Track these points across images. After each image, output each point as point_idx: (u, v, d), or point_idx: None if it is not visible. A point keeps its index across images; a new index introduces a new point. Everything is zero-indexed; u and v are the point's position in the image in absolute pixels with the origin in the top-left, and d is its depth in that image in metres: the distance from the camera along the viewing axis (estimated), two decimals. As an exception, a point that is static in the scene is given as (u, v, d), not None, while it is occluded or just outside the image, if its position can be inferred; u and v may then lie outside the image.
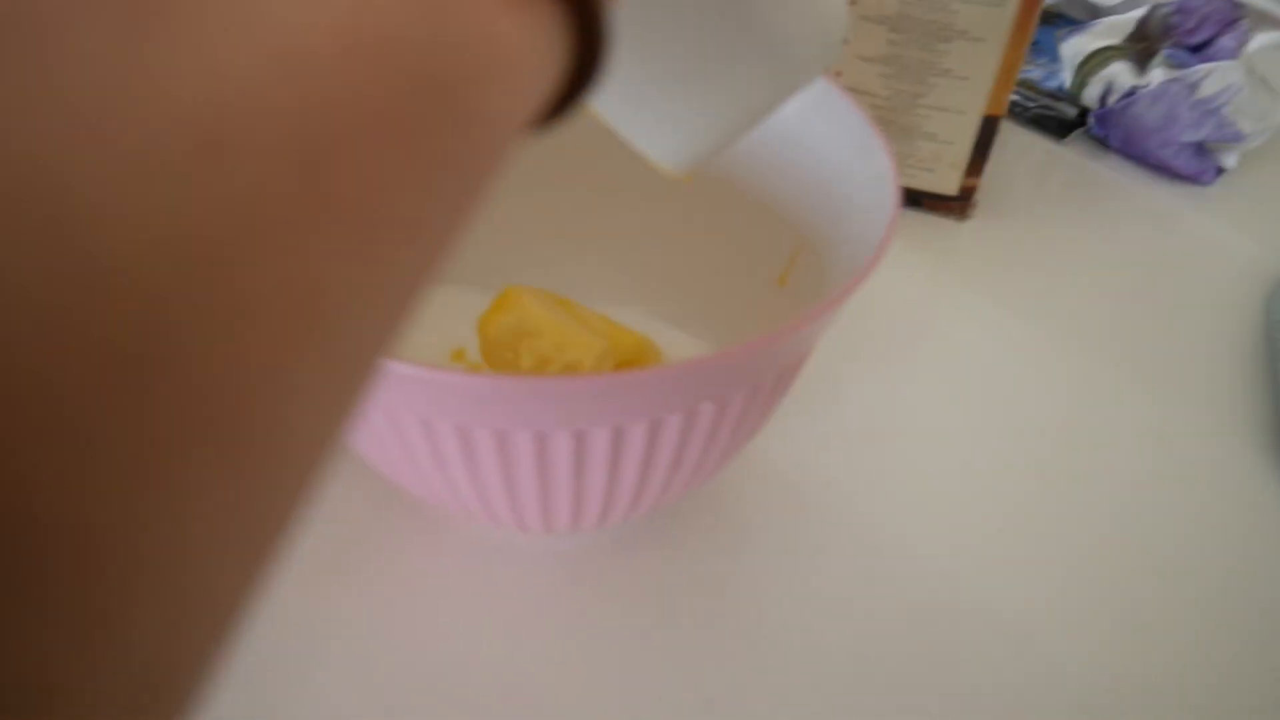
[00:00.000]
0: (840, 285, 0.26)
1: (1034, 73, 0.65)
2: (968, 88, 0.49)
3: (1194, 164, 0.59)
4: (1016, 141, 0.62)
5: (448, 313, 0.38)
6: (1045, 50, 0.67)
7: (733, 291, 0.39)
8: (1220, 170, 0.61)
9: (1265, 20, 0.62)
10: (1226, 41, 0.61)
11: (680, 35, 0.20)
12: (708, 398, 0.25)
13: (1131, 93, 0.59)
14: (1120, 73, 0.60)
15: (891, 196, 0.29)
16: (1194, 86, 0.57)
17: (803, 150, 0.35)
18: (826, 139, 0.34)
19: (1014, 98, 0.64)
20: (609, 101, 0.22)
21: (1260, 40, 0.59)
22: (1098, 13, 0.68)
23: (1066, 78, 0.63)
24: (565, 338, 0.30)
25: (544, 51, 0.12)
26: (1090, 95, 0.61)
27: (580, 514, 0.29)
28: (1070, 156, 0.62)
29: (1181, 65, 0.59)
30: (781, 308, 0.37)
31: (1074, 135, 0.63)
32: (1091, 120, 0.62)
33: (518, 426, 0.24)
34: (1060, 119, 0.63)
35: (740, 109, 0.22)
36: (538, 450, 0.25)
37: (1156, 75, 0.58)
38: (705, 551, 0.36)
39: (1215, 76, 0.57)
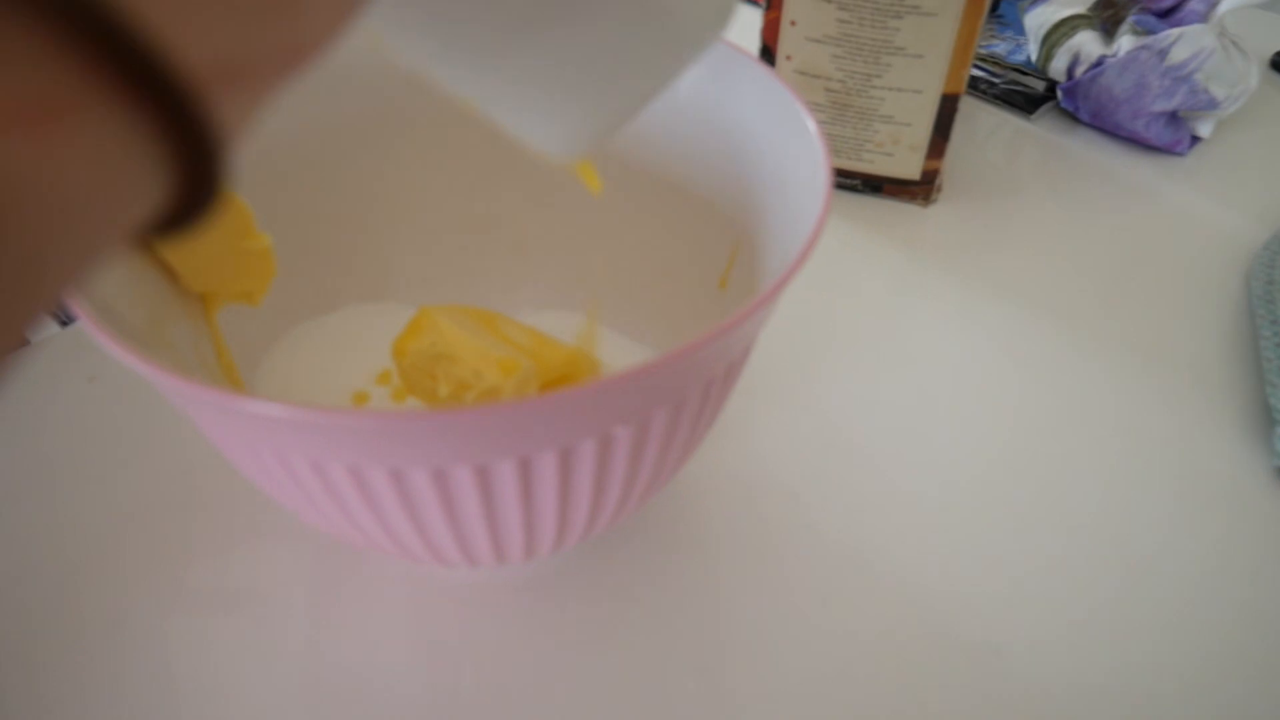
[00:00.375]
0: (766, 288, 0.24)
1: (999, 47, 0.63)
2: (924, 66, 0.46)
3: (1167, 134, 0.57)
4: (983, 119, 0.60)
5: (374, 333, 0.36)
6: (1010, 22, 0.65)
7: (675, 294, 0.37)
8: (1195, 139, 0.58)
9: (1236, -19, 0.60)
10: (1196, 4, 0.58)
11: (548, 8, 0.18)
12: (622, 421, 0.23)
13: (1100, 62, 0.57)
14: (1087, 42, 0.58)
15: (823, 186, 0.27)
16: (1163, 53, 0.55)
17: (739, 144, 0.33)
18: (763, 131, 0.32)
19: (979, 73, 0.62)
20: (476, 90, 0.20)
21: (1230, 1, 0.57)
22: (1063, -19, 0.65)
23: (1032, 50, 0.60)
24: (484, 361, 0.28)
25: (116, 182, 0.10)
26: (1057, 67, 0.59)
27: (501, 550, 0.27)
28: (1039, 132, 0.59)
29: (1150, 31, 0.57)
30: (725, 307, 0.35)
31: (1043, 110, 0.60)
32: (1060, 93, 0.60)
33: (413, 465, 0.22)
34: (1028, 94, 0.60)
35: (624, 88, 0.20)
36: (438, 486, 0.23)
37: (1125, 43, 0.56)
38: (661, 566, 0.34)
39: (1185, 41, 0.55)
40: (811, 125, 0.28)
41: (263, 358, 0.34)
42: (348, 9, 0.12)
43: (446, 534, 0.25)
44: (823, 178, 0.27)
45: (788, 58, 0.48)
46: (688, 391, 0.24)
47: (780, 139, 0.30)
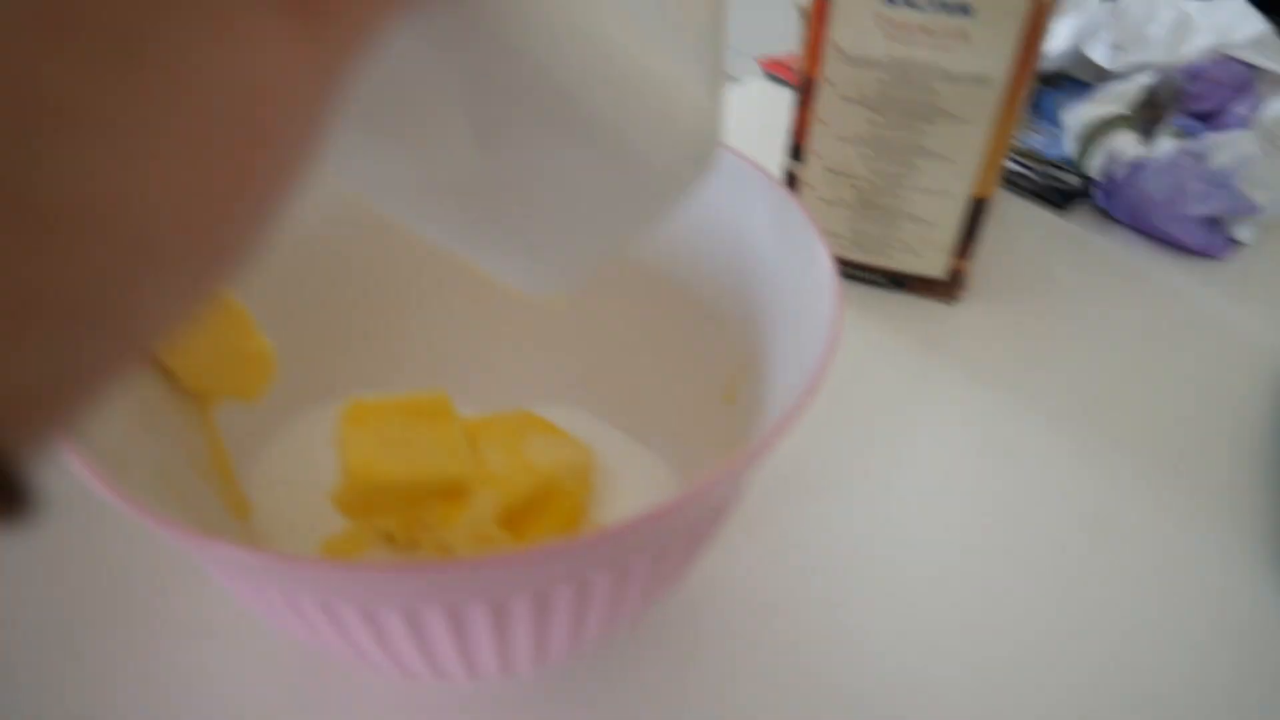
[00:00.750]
0: (775, 417, 0.23)
1: (1036, 140, 0.62)
2: (953, 169, 0.46)
3: (1204, 238, 0.56)
4: (1017, 213, 0.59)
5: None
6: (1047, 115, 0.64)
7: (681, 401, 0.36)
8: (1234, 243, 0.57)
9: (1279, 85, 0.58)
10: (1239, 109, 0.57)
11: (528, 166, 0.18)
12: (600, 568, 0.22)
13: (1138, 164, 0.56)
14: (1126, 142, 0.57)
15: (832, 315, 0.26)
16: (1203, 157, 0.54)
17: (749, 257, 0.32)
18: (774, 247, 0.31)
19: (1014, 167, 0.61)
20: (458, 244, 0.20)
21: (1276, 106, 0.56)
22: (1104, 75, 0.65)
23: (1070, 147, 0.60)
24: (432, 513, 0.28)
25: None
26: (1095, 166, 0.58)
27: (474, 673, 0.26)
28: (1073, 229, 0.58)
29: (1190, 134, 0.56)
30: (732, 415, 0.34)
31: (1078, 206, 0.59)
32: (1096, 191, 0.59)
33: (382, 606, 0.22)
34: (1063, 189, 0.59)
35: (602, 235, 0.20)
36: (409, 624, 0.22)
37: (1164, 145, 0.55)
38: (656, 678, 0.33)
39: (1226, 147, 0.54)
40: (827, 261, 0.28)
41: (259, 448, 0.34)
42: (175, 315, 0.11)
43: (417, 659, 0.25)
44: (833, 315, 0.26)
45: (817, 155, 0.48)
46: (669, 540, 0.23)
47: (795, 267, 0.30)
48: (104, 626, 0.33)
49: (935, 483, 0.41)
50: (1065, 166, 0.60)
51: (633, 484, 0.35)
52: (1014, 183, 0.60)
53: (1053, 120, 0.63)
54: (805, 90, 0.46)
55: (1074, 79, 0.67)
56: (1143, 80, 0.59)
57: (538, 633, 0.24)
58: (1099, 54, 0.62)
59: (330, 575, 0.20)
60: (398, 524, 0.28)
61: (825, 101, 0.46)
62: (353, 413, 0.29)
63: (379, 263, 0.37)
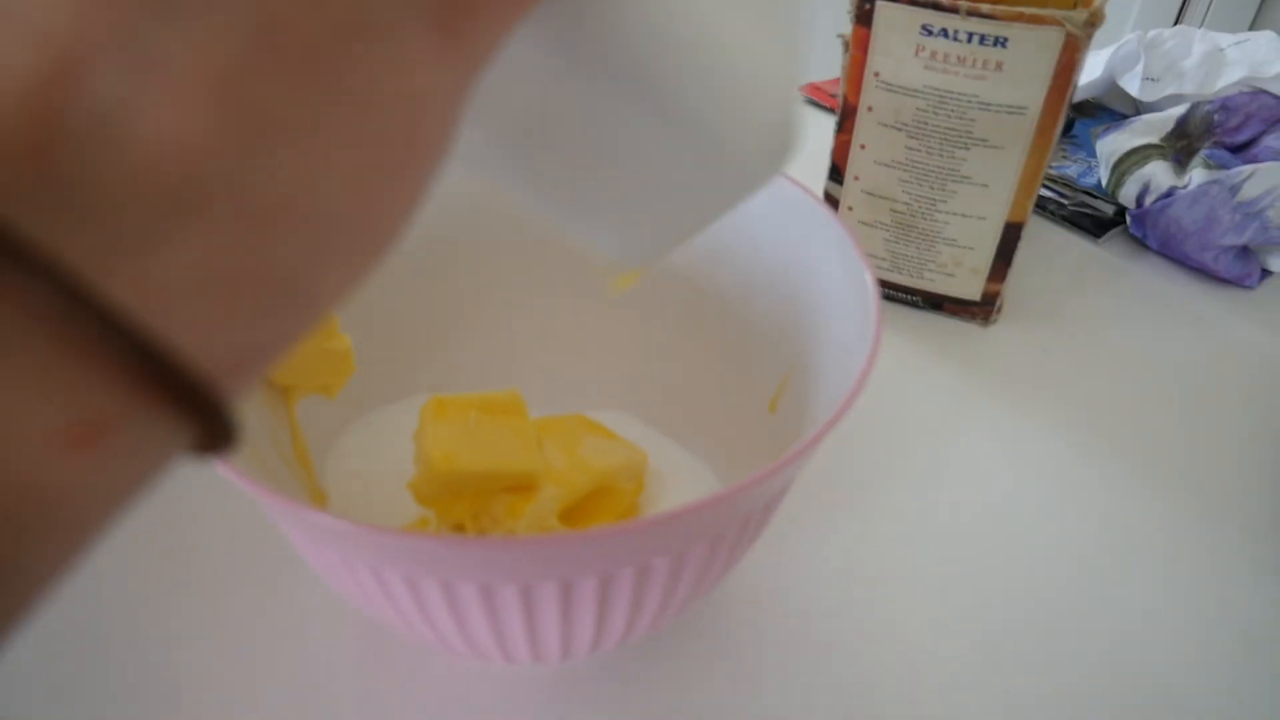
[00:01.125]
0: (818, 425, 0.25)
1: (1070, 169, 0.64)
2: (988, 195, 0.48)
3: (1236, 267, 0.57)
4: (1050, 240, 0.61)
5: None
6: (1083, 145, 0.65)
7: (726, 410, 0.38)
8: (1266, 273, 0.58)
9: (1314, 118, 0.60)
10: (1271, 141, 0.59)
11: (619, 149, 0.20)
12: (660, 553, 0.24)
13: (1170, 193, 0.57)
14: (1158, 172, 0.58)
15: (872, 330, 0.28)
16: (1235, 189, 0.55)
17: (794, 274, 0.34)
18: (818, 265, 0.33)
19: (1048, 194, 0.63)
20: (546, 214, 0.22)
21: (1309, 140, 0.57)
22: (1140, 108, 0.66)
23: (1103, 176, 0.61)
24: (500, 505, 0.30)
25: (146, 465, 0.12)
26: (1127, 194, 0.59)
27: (539, 653, 0.28)
28: (1106, 256, 0.60)
29: (1222, 165, 0.57)
30: (774, 429, 0.36)
31: (1111, 234, 0.61)
32: (1129, 219, 0.60)
33: (461, 579, 0.24)
34: (1096, 217, 0.61)
35: (682, 218, 0.22)
36: (484, 599, 0.24)
37: (1196, 176, 0.57)
38: (689, 678, 0.35)
39: (1258, 178, 0.55)
40: (869, 279, 0.30)
41: (333, 441, 0.36)
42: (341, 296, 0.14)
43: (489, 638, 0.27)
44: (873, 331, 0.28)
45: (856, 178, 0.50)
46: (724, 527, 0.25)
47: (838, 284, 0.32)
48: (180, 596, 0.36)
49: (966, 497, 0.43)
50: (1099, 195, 0.62)
51: (680, 487, 0.37)
52: (1048, 210, 0.62)
53: (1088, 150, 0.65)
54: (845, 116, 0.48)
55: (1109, 109, 0.69)
56: (1175, 112, 0.60)
57: (600, 614, 0.26)
58: (1133, 86, 0.64)
59: (416, 547, 0.22)
60: (468, 514, 0.30)
61: (864, 127, 0.48)
62: (434, 407, 0.31)
63: (442, 273, 0.39)
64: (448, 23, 0.13)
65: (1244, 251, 0.58)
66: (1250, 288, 0.58)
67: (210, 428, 0.12)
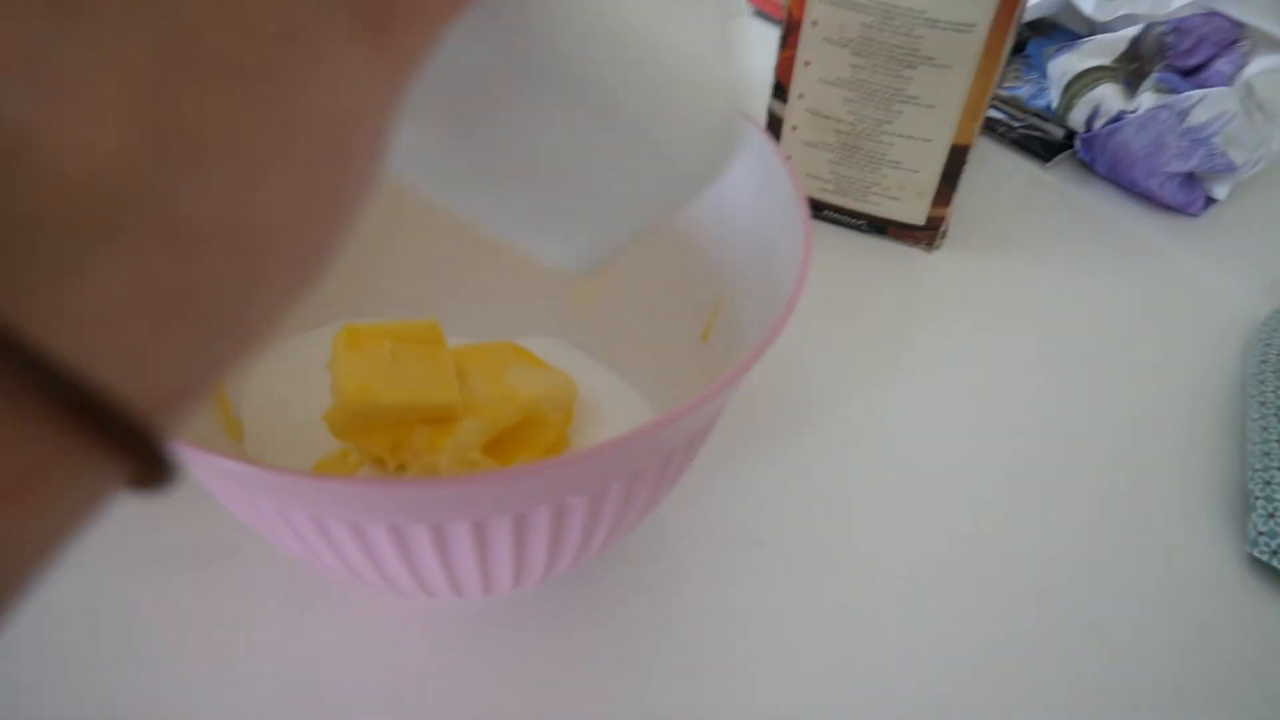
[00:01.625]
0: (745, 354, 0.25)
1: (1021, 90, 0.63)
2: (934, 116, 0.46)
3: (1181, 194, 0.57)
4: (998, 163, 0.60)
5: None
6: (1036, 65, 0.64)
7: (660, 338, 0.37)
8: (1210, 201, 0.58)
9: (1267, 42, 0.59)
10: (1222, 65, 0.58)
11: (563, 155, 0.19)
12: (576, 492, 0.24)
13: (1119, 117, 0.57)
14: (1109, 95, 0.57)
15: (802, 252, 0.27)
16: (1184, 114, 0.55)
17: (727, 196, 0.33)
18: (751, 189, 0.32)
19: (999, 116, 0.61)
20: (485, 215, 0.21)
21: (1260, 64, 0.57)
22: (1094, 27, 0.65)
23: (1054, 98, 0.60)
24: (420, 438, 0.29)
25: (80, 504, 0.11)
26: (1077, 118, 0.58)
27: (458, 590, 0.27)
28: (1053, 181, 0.59)
29: (1173, 89, 0.56)
30: (707, 354, 0.35)
31: (1060, 159, 0.60)
32: (1078, 144, 0.59)
33: (370, 521, 0.23)
34: (1045, 140, 0.60)
35: (620, 221, 0.21)
36: (395, 539, 0.24)
37: (1146, 100, 0.56)
38: (634, 597, 0.34)
39: (1206, 104, 0.54)
40: (798, 200, 0.29)
41: (250, 372, 0.35)
42: (276, 317, 0.13)
43: (404, 574, 0.26)
44: (800, 256, 0.27)
45: (800, 96, 0.48)
46: (645, 464, 0.25)
47: (768, 206, 0.31)
48: (96, 530, 0.34)
49: (912, 420, 0.43)
50: (1048, 117, 0.61)
51: (612, 416, 0.37)
52: (997, 131, 0.61)
53: (1041, 70, 0.64)
54: (790, 30, 0.47)
55: (1064, 28, 0.68)
56: (1129, 32, 0.59)
57: (518, 553, 0.25)
58: (1087, 4, 0.62)
59: (320, 489, 0.22)
60: (386, 447, 0.29)
61: (809, 42, 0.46)
62: (347, 337, 0.30)
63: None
64: (374, 30, 0.12)
65: (1189, 178, 0.57)
66: (1194, 215, 0.58)
67: (147, 465, 0.11)
